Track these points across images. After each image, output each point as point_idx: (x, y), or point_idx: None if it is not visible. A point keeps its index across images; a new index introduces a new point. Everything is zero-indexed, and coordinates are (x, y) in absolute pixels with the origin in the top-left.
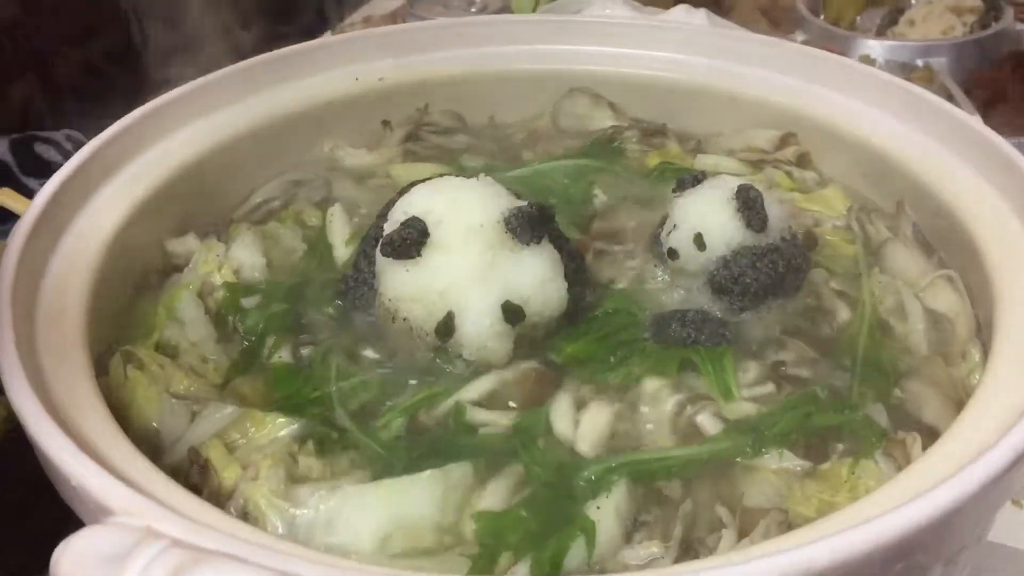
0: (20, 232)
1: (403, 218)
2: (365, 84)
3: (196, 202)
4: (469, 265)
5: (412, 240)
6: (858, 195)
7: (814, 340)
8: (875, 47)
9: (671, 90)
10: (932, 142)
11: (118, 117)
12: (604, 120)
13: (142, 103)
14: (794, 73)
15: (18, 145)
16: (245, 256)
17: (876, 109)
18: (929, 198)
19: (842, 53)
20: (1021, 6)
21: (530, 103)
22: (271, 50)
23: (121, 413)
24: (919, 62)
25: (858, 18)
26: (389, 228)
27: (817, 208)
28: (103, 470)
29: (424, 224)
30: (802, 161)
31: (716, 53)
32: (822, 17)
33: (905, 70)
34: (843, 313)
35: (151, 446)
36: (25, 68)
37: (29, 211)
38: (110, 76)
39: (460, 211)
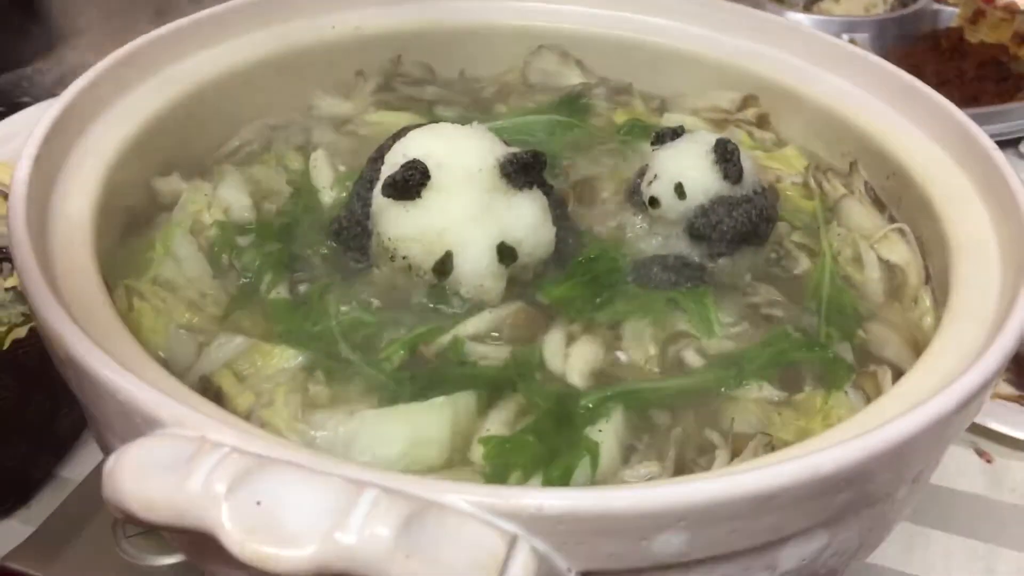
0: (23, 166)
1: (403, 160)
2: (341, 32)
3: (178, 143)
4: (467, 207)
5: (415, 182)
6: (813, 156)
7: (782, 285)
8: (802, 20)
9: (636, 50)
10: (882, 104)
11: (25, 61)
12: (572, 77)
13: (48, 49)
14: (754, 37)
15: None
16: (232, 196)
17: (830, 73)
18: (882, 159)
19: None
20: None
21: (500, 58)
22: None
23: None
24: (844, 36)
25: None
26: (387, 170)
27: (778, 166)
28: (148, 384)
29: (426, 166)
30: (761, 122)
31: (680, 15)
32: None
33: None
34: (804, 262)
35: None
36: None
37: (28, 148)
38: (16, 22)
39: (459, 155)
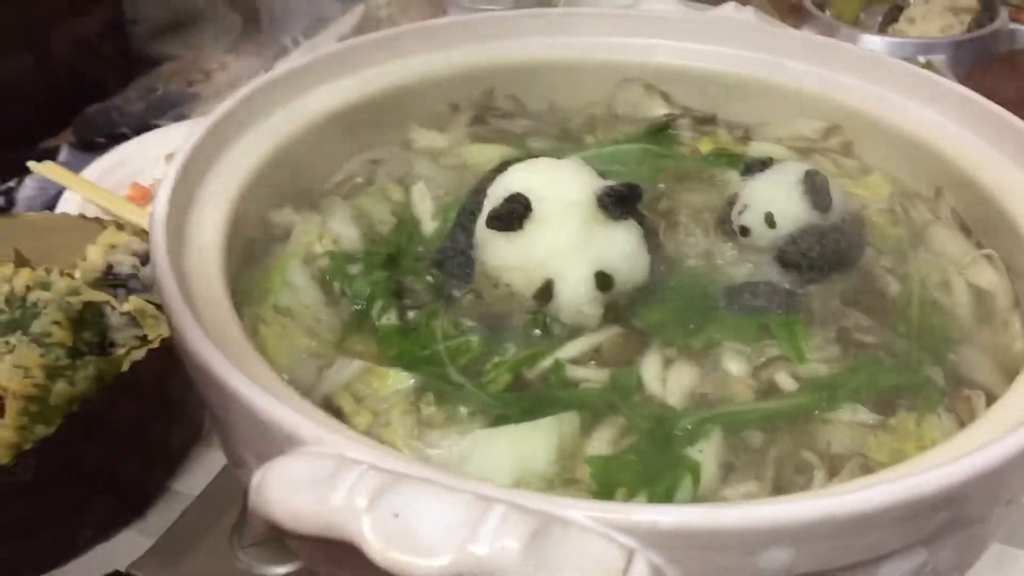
0: (162, 198)
1: (504, 194)
2: (438, 69)
3: (290, 177)
4: (567, 237)
5: (518, 214)
6: (898, 182)
7: (871, 310)
8: (877, 43)
9: (719, 81)
10: (964, 131)
11: (112, 92)
12: (657, 108)
13: (135, 78)
14: (835, 67)
15: None
16: (342, 228)
17: (911, 101)
18: (967, 186)
19: None
20: (1016, 7)
21: (586, 91)
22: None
23: None
24: (921, 58)
25: (861, 15)
26: (490, 204)
27: (863, 193)
28: (287, 406)
29: (528, 200)
30: (846, 150)
31: (762, 47)
32: (828, 13)
33: None
34: (893, 287)
35: None
36: (20, 45)
37: (164, 184)
38: (103, 52)
39: (558, 188)
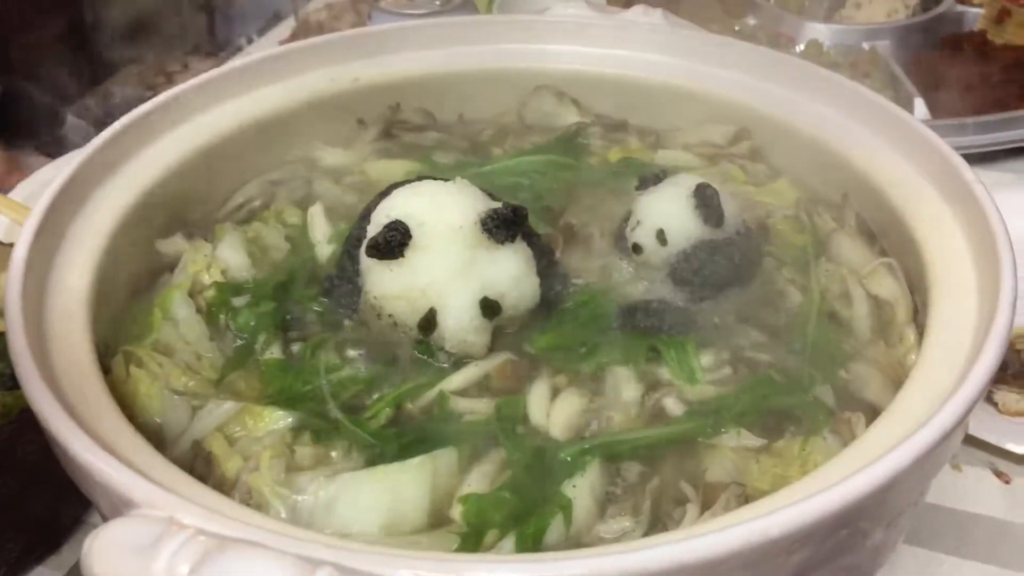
0: (23, 240)
1: (386, 220)
2: (340, 85)
3: (181, 204)
4: (449, 264)
5: (396, 242)
6: (806, 187)
7: (767, 326)
8: (822, 30)
9: (631, 87)
10: (873, 137)
11: (74, 97)
12: (568, 116)
13: (97, 83)
14: (746, 70)
15: None
16: (231, 256)
17: (823, 105)
18: (871, 191)
19: (792, 37)
20: None
21: (498, 100)
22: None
23: (125, 410)
24: (865, 45)
25: (806, 2)
26: (372, 230)
27: (769, 200)
28: (124, 466)
29: (407, 226)
30: (754, 155)
31: (673, 51)
32: (772, 1)
33: (851, 53)
34: (794, 299)
35: (155, 440)
36: None
37: (29, 221)
38: (65, 57)
39: (440, 213)
